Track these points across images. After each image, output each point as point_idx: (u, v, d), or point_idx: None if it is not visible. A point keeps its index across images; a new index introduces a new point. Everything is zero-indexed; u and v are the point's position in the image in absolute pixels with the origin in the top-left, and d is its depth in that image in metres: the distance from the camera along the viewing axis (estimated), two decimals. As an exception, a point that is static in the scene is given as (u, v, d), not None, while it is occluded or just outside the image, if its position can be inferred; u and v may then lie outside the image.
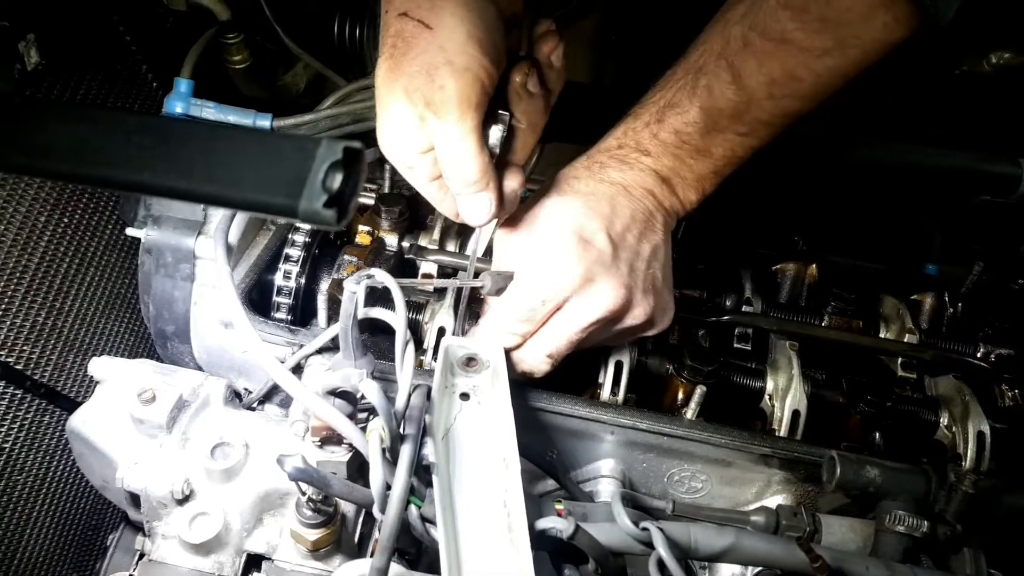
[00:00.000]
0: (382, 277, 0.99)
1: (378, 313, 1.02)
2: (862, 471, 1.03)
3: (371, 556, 0.94)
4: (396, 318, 0.98)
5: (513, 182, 1.03)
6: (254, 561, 1.05)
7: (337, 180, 0.51)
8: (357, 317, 0.97)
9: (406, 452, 0.88)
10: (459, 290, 1.24)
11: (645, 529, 0.98)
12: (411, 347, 1.01)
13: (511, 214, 1.08)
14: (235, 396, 1.19)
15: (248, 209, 0.51)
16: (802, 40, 0.95)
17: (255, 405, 1.21)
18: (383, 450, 0.89)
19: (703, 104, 1.03)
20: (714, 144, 1.06)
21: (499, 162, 1.01)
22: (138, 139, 0.53)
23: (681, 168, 1.07)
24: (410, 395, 0.95)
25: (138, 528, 1.09)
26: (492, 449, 1.00)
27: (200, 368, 1.27)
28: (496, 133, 0.98)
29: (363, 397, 0.96)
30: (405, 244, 1.35)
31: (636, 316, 1.07)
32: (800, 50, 0.96)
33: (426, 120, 0.92)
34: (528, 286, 1.05)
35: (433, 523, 0.95)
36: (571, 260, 1.02)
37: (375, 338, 1.25)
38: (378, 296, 1.13)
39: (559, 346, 1.07)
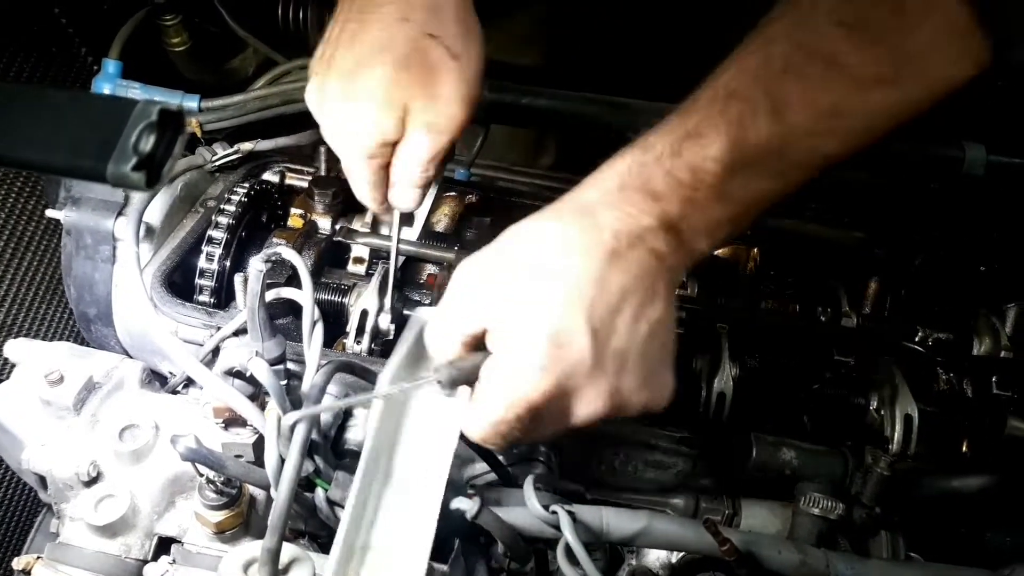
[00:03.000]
0: (288, 255, 0.98)
1: (288, 293, 1.01)
2: (778, 453, 1.03)
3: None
4: (303, 296, 0.97)
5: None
6: (165, 544, 1.04)
7: (149, 143, 0.50)
8: (264, 297, 0.96)
9: (299, 432, 0.87)
10: (385, 272, 1.23)
11: (555, 512, 0.97)
12: (320, 326, 1.00)
13: (479, 255, 0.92)
14: (157, 380, 1.18)
15: (55, 172, 0.50)
16: (856, 65, 0.81)
17: (179, 389, 1.20)
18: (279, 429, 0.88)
19: (732, 137, 0.84)
20: (736, 187, 0.86)
21: None
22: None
23: (692, 214, 0.87)
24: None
25: (57, 511, 1.08)
26: (441, 426, 0.97)
27: (126, 351, 1.26)
28: None
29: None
30: (337, 227, 1.34)
31: (631, 410, 0.90)
32: (851, 78, 0.82)
33: (415, 129, 1.00)
34: (497, 400, 0.86)
35: (341, 506, 0.94)
36: (541, 375, 0.83)
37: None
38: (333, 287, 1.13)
39: (534, 439, 0.96)
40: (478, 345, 0.89)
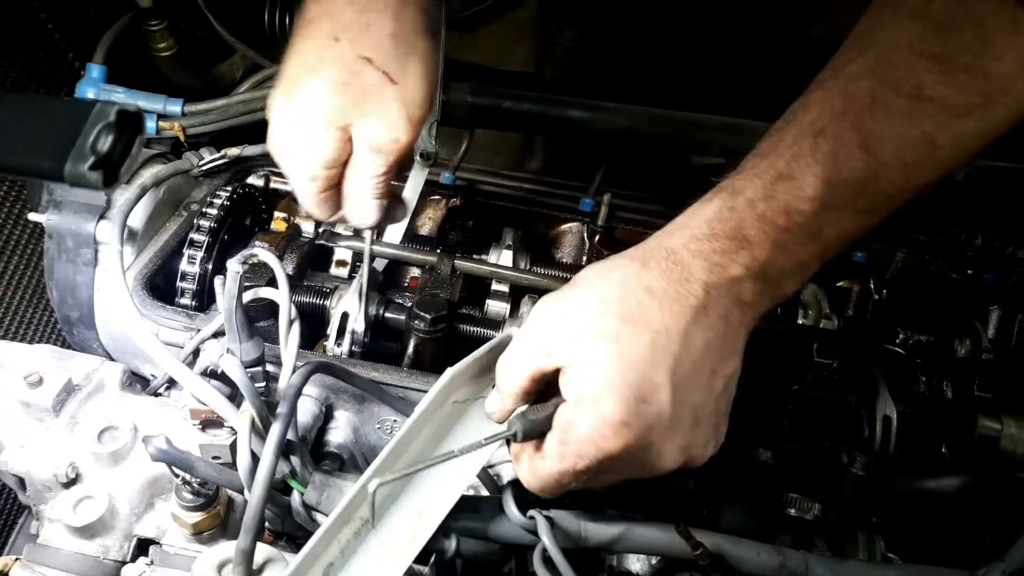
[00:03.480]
0: (265, 256, 0.98)
1: (265, 292, 1.02)
2: (755, 454, 1.03)
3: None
4: (279, 296, 0.98)
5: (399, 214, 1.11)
6: (144, 545, 1.04)
7: (107, 143, 0.50)
8: (241, 299, 0.96)
9: (275, 432, 0.87)
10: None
11: (533, 518, 0.97)
12: (296, 326, 1.00)
13: (561, 294, 0.91)
14: (138, 382, 1.18)
15: (14, 172, 0.50)
16: (943, 96, 0.80)
17: (161, 391, 1.21)
18: (254, 430, 0.89)
19: (825, 176, 0.83)
20: (828, 224, 0.85)
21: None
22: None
23: (783, 258, 0.86)
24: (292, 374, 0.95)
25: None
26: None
27: (109, 354, 1.26)
28: None
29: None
30: (320, 230, 1.35)
31: (698, 463, 0.91)
32: (940, 108, 0.80)
33: (362, 150, 0.98)
34: (570, 451, 0.86)
35: (317, 510, 0.94)
36: (624, 429, 0.83)
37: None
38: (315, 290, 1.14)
39: (593, 486, 0.92)
40: (547, 383, 0.89)
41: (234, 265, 0.95)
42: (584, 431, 0.84)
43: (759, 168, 0.85)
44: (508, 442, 0.92)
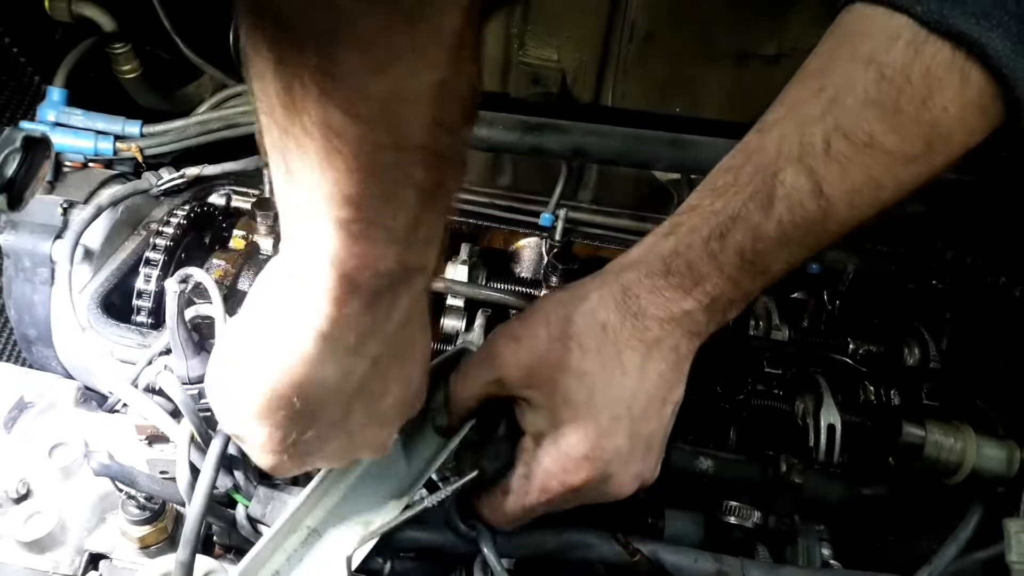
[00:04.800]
0: (199, 276, 1.00)
1: (205, 309, 1.04)
2: (695, 461, 1.05)
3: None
4: (214, 311, 1.00)
5: None
6: (96, 560, 1.06)
7: (12, 167, 0.52)
8: (183, 316, 0.98)
9: (214, 446, 0.89)
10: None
11: (474, 528, 0.99)
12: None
13: (521, 321, 0.94)
14: (94, 399, 1.20)
15: (-80, 195, 0.52)
16: (893, 144, 0.83)
17: (118, 407, 1.22)
18: (193, 444, 0.91)
19: (780, 218, 0.86)
20: (777, 261, 0.89)
21: None
22: None
23: (732, 291, 0.90)
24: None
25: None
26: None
27: (68, 372, 1.28)
28: None
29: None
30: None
31: (647, 486, 0.97)
32: (887, 155, 0.83)
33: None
34: (535, 487, 0.91)
35: (262, 523, 0.96)
36: (585, 464, 0.88)
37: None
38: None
39: (552, 510, 0.97)
40: (498, 403, 0.94)
41: (172, 285, 0.97)
42: (548, 466, 0.89)
43: (716, 206, 0.88)
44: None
